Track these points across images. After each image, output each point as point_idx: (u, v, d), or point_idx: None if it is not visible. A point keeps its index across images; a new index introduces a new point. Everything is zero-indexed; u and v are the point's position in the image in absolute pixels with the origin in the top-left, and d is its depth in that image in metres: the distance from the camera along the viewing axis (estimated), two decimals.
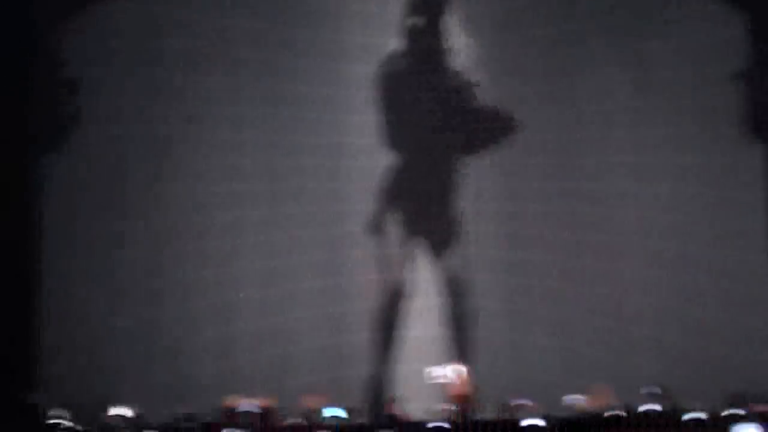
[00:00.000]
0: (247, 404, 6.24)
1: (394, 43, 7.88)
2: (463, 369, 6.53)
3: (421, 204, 7.86)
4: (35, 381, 7.34)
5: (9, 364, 7.31)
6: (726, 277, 7.88)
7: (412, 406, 6.86)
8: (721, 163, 7.96)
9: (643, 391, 6.57)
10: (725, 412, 6.13)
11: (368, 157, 7.90)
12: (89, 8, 7.99)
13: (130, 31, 8.00)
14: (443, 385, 6.53)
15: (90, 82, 7.91)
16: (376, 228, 7.75)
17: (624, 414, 6.17)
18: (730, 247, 7.92)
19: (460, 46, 7.78)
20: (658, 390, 6.50)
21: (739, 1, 7.84)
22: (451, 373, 6.31)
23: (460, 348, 7.63)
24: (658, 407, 6.32)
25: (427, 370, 6.32)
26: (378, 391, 7.60)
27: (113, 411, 6.53)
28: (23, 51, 7.84)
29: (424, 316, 7.79)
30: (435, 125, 7.85)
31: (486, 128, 7.88)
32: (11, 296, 7.47)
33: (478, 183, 7.92)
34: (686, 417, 6.09)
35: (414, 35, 7.70)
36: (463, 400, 6.31)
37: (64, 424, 6.18)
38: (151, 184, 7.94)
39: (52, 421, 6.24)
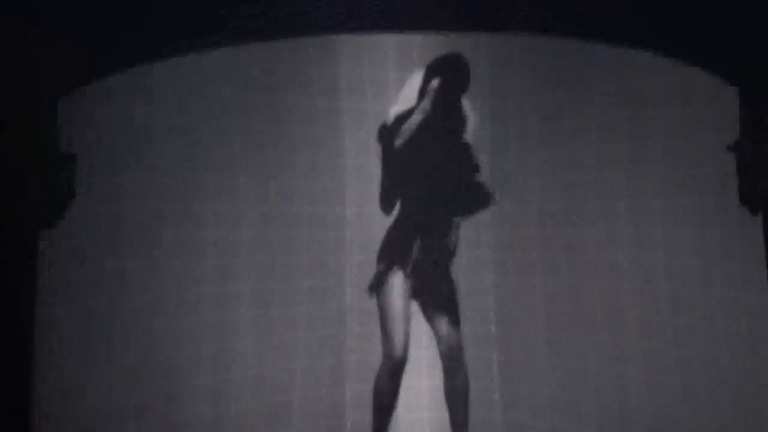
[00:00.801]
0: None
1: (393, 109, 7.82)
2: None
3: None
4: None
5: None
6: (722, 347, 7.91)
7: None
8: (719, 233, 8.03)
9: None
10: None
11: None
12: (88, 83, 8.05)
13: (126, 105, 8.09)
14: None
15: (86, 157, 7.94)
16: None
17: None
18: (728, 315, 7.95)
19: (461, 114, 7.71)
20: None
21: (731, 74, 7.93)
22: None
23: (456, 423, 7.50)
24: None
25: None
26: None
27: None
28: (22, 124, 7.91)
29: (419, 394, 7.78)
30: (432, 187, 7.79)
31: (479, 196, 7.80)
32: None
33: (473, 252, 7.97)
34: None
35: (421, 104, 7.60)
36: None
37: None
38: (147, 257, 7.96)
39: None
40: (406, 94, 7.53)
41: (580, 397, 7.83)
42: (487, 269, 7.91)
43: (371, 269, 7.48)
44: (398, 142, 7.40)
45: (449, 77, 7.34)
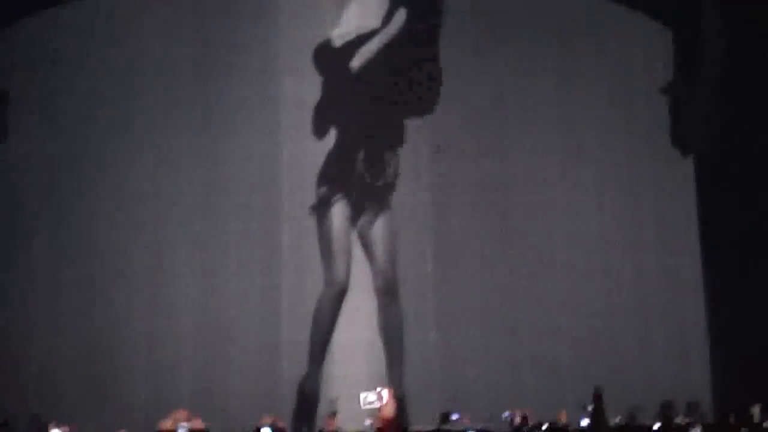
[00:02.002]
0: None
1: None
2: (386, 392, 6.59)
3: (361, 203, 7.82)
4: None
5: None
6: (649, 286, 8.14)
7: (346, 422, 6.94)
8: (649, 173, 8.16)
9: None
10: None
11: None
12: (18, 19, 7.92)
13: (59, 42, 7.96)
14: (375, 411, 6.60)
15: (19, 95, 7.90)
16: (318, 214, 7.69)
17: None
18: (655, 256, 8.14)
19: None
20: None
21: (666, 16, 8.00)
22: (377, 397, 6.35)
23: (391, 355, 7.58)
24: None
25: (362, 395, 6.38)
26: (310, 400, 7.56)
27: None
28: None
29: (357, 318, 7.88)
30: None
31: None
32: None
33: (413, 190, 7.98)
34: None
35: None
36: (392, 426, 6.41)
37: None
38: (83, 200, 7.87)
39: None
40: (348, 20, 7.55)
41: (513, 342, 7.99)
42: (426, 207, 7.94)
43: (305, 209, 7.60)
44: (354, 63, 7.41)
45: (421, 12, 7.39)
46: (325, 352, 7.52)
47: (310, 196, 7.66)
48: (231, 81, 7.74)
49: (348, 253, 7.56)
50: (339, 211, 7.56)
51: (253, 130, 7.72)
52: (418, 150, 7.73)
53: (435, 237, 7.70)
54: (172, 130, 7.83)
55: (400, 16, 7.58)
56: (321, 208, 7.59)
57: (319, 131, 7.61)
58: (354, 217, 7.62)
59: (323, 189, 7.60)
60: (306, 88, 7.66)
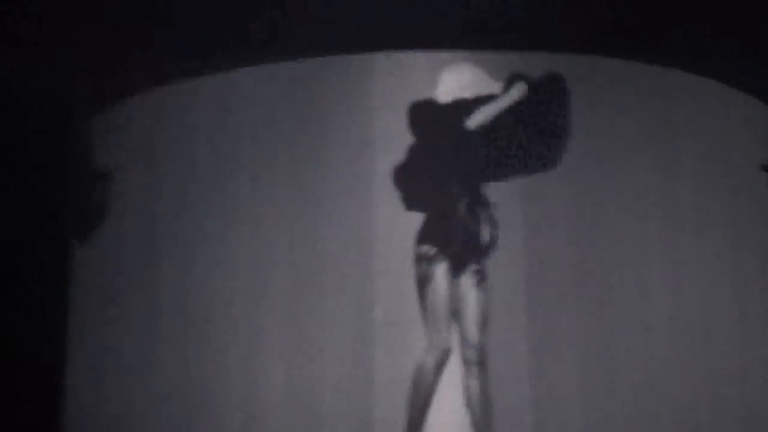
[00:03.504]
0: None
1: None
2: None
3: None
4: None
5: None
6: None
7: None
8: (753, 252, 7.97)
9: None
10: None
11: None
12: (123, 100, 8.18)
13: (162, 122, 8.12)
14: None
15: (121, 174, 8.08)
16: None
17: None
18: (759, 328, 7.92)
19: None
20: None
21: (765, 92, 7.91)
22: None
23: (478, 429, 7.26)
24: None
25: None
26: None
27: None
28: (58, 139, 8.06)
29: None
30: None
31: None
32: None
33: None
34: None
35: None
36: None
37: None
38: (181, 275, 7.91)
39: None
40: (449, 82, 7.56)
41: (611, 413, 7.72)
42: (520, 278, 7.79)
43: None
44: (473, 120, 7.48)
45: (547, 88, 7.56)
46: (424, 420, 7.26)
47: (402, 271, 7.51)
48: (325, 156, 7.82)
49: (450, 315, 7.39)
50: (440, 271, 7.42)
51: (347, 205, 7.75)
52: (513, 219, 7.62)
53: (528, 310, 7.53)
54: (268, 207, 7.88)
55: (520, 87, 7.63)
56: (422, 268, 7.44)
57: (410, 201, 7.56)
58: (453, 279, 7.45)
59: (423, 248, 7.47)
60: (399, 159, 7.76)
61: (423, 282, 7.47)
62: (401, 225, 7.59)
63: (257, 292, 7.76)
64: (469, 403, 7.34)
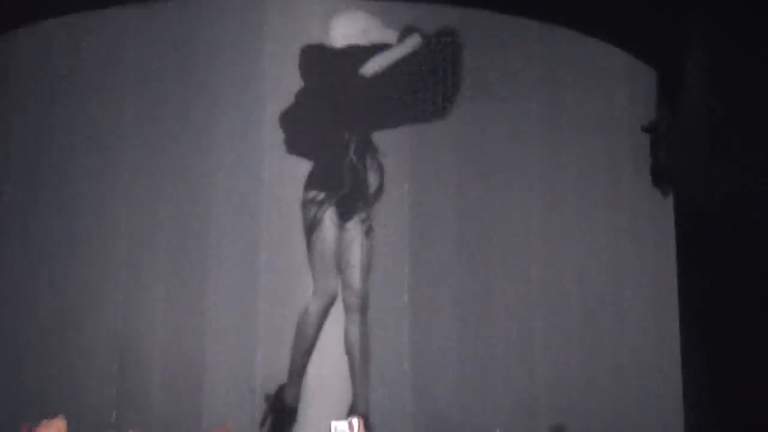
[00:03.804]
0: None
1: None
2: (357, 422, 6.41)
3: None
4: None
5: None
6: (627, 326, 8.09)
7: None
8: (630, 214, 8.15)
9: None
10: None
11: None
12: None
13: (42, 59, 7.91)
14: None
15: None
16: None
17: None
18: (633, 295, 8.13)
19: None
20: None
21: (649, 56, 8.10)
22: (349, 427, 6.18)
23: (357, 375, 7.34)
24: None
25: (333, 424, 6.20)
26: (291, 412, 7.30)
27: None
28: None
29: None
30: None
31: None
32: None
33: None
34: None
35: None
36: None
37: None
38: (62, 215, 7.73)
39: None
40: (342, 27, 7.56)
41: (488, 373, 7.84)
42: (404, 229, 7.82)
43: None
44: (367, 68, 7.49)
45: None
46: (307, 364, 7.29)
47: (288, 219, 7.51)
48: (213, 98, 7.70)
49: (337, 261, 7.40)
50: (329, 216, 7.42)
51: (235, 149, 7.66)
52: (400, 169, 7.62)
53: (411, 259, 7.58)
54: (153, 150, 7.68)
55: (414, 40, 7.67)
56: (311, 213, 7.43)
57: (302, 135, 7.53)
58: (341, 225, 7.45)
59: (312, 192, 7.46)
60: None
61: (311, 227, 7.46)
62: (289, 171, 7.54)
63: (140, 238, 7.60)
64: (348, 349, 7.38)
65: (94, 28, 7.84)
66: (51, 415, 4.39)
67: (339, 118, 7.56)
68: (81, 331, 7.54)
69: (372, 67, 7.51)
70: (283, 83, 7.54)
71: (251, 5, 7.72)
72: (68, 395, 7.37)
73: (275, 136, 7.52)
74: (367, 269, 7.45)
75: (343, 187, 7.48)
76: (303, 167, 7.51)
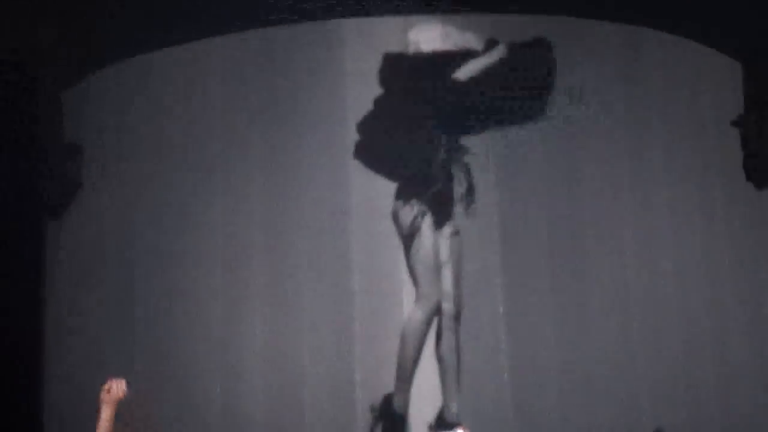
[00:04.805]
0: None
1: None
2: None
3: None
4: None
5: None
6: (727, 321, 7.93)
7: None
8: (725, 209, 8.02)
9: None
10: None
11: None
12: (91, 73, 8.14)
13: (132, 96, 8.08)
14: None
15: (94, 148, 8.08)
16: None
17: None
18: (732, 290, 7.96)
19: None
20: None
21: (735, 49, 7.97)
22: None
23: (449, 385, 7.28)
24: None
25: None
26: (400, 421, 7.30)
27: None
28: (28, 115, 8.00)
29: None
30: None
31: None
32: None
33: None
34: None
35: None
36: None
37: None
38: (155, 248, 7.88)
39: None
40: (425, 34, 7.57)
41: (587, 380, 7.76)
42: (494, 238, 7.81)
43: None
44: (461, 73, 7.48)
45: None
46: (414, 371, 7.25)
47: (378, 239, 7.52)
48: (298, 124, 7.80)
49: (439, 266, 7.33)
50: (426, 223, 7.37)
51: (322, 173, 7.74)
52: (488, 175, 7.59)
53: (503, 266, 7.53)
54: (242, 177, 7.84)
55: (501, 49, 7.68)
56: (406, 222, 7.41)
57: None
58: (438, 230, 7.39)
59: (406, 200, 7.45)
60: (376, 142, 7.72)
61: (410, 235, 7.41)
62: (376, 192, 7.58)
63: (234, 261, 7.74)
64: (441, 357, 7.31)
65: (178, 61, 8.03)
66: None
67: (427, 122, 7.56)
68: (182, 355, 7.70)
69: (465, 71, 7.50)
70: (365, 102, 7.61)
71: (330, 30, 7.82)
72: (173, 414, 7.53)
73: (361, 155, 7.60)
74: (460, 275, 7.42)
75: (436, 184, 7.45)
76: (389, 184, 7.54)
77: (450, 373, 7.29)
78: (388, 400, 7.23)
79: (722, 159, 8.08)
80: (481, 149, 7.59)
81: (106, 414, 4.50)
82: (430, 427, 7.17)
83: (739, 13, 7.84)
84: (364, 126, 7.61)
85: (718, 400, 7.79)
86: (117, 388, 4.55)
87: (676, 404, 7.62)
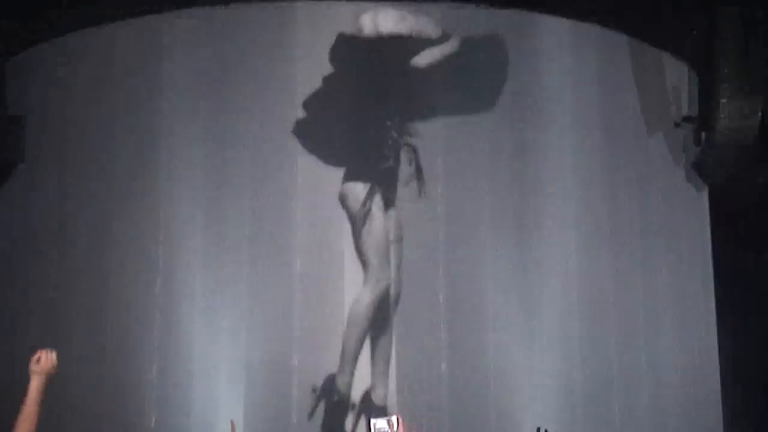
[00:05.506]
0: None
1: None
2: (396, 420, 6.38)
3: None
4: None
5: None
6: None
7: None
8: (664, 208, 8.13)
9: None
10: None
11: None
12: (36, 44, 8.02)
13: (76, 67, 7.96)
14: None
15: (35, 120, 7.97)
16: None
17: None
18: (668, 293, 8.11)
19: None
20: None
21: (681, 49, 8.09)
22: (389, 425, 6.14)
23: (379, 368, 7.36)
24: None
25: (373, 422, 6.19)
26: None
27: None
28: None
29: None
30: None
31: None
32: None
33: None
34: None
35: None
36: None
37: None
38: (95, 229, 7.79)
39: None
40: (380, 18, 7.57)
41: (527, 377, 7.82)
42: (438, 229, 7.82)
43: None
44: (419, 59, 7.53)
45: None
46: (359, 353, 7.31)
47: (321, 221, 7.51)
48: (246, 104, 7.73)
49: (388, 248, 7.36)
50: (376, 206, 7.41)
51: (269, 154, 7.69)
52: (434, 167, 7.59)
53: (446, 258, 7.55)
54: (187, 154, 7.71)
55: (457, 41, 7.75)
56: (355, 205, 7.44)
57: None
58: (387, 212, 7.43)
59: (355, 183, 7.47)
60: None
61: (359, 217, 7.43)
62: (320, 175, 7.56)
63: (174, 239, 7.62)
64: (375, 338, 7.35)
65: (127, 35, 7.91)
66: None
67: (378, 104, 7.58)
68: (118, 339, 7.61)
69: (425, 58, 7.54)
70: (315, 84, 7.59)
71: (282, 11, 7.77)
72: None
73: (306, 141, 7.58)
74: (400, 257, 7.46)
75: (387, 162, 7.46)
76: (334, 168, 7.55)
77: (382, 356, 7.34)
78: (331, 380, 7.25)
79: (664, 158, 8.19)
80: (428, 133, 7.64)
81: (34, 384, 4.42)
82: (359, 410, 7.21)
83: (688, 16, 7.96)
84: (312, 108, 7.60)
85: (652, 399, 7.89)
86: (46, 358, 4.47)
87: (611, 393, 7.70)
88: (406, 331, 7.39)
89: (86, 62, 7.98)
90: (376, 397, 7.26)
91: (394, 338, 7.35)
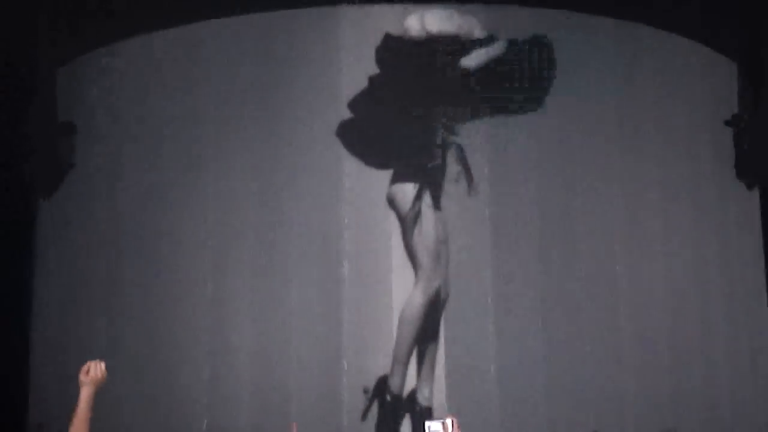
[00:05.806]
0: None
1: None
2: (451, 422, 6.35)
3: None
4: None
5: None
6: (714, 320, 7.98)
7: None
8: (715, 208, 8.06)
9: None
10: None
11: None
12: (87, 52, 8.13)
13: (127, 76, 8.05)
14: None
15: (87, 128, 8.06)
16: None
17: None
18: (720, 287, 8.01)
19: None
20: None
21: (730, 48, 7.99)
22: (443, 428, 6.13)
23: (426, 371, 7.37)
24: None
25: (427, 424, 6.19)
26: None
27: None
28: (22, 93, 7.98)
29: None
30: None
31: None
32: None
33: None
34: None
35: None
36: None
37: None
38: (146, 233, 7.89)
39: None
40: (428, 18, 7.54)
41: (576, 379, 7.75)
42: (485, 231, 7.79)
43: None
44: (467, 61, 7.50)
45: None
46: (411, 354, 7.30)
47: (368, 226, 7.55)
48: (292, 109, 7.78)
49: (438, 249, 7.36)
50: (426, 206, 7.39)
51: (315, 159, 7.72)
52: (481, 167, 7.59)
53: (493, 260, 7.52)
54: (234, 160, 7.79)
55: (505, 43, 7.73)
56: (405, 206, 7.44)
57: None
58: (436, 210, 7.40)
59: (404, 185, 7.45)
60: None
61: (410, 218, 7.43)
62: (367, 180, 7.59)
63: (224, 244, 7.71)
64: (423, 340, 7.34)
65: (174, 44, 8.00)
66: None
67: (425, 104, 7.58)
68: (170, 340, 7.69)
69: (473, 59, 7.52)
70: (360, 87, 7.60)
71: (326, 16, 7.80)
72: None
73: (353, 138, 7.60)
74: (447, 257, 7.45)
75: (435, 161, 7.45)
76: (381, 172, 7.56)
77: (428, 357, 7.33)
78: (383, 381, 7.26)
79: (714, 157, 8.10)
80: (476, 133, 7.62)
81: (84, 395, 4.49)
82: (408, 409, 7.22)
83: (734, 13, 7.87)
84: (358, 109, 7.61)
85: (706, 394, 7.83)
86: (95, 369, 4.54)
87: (664, 398, 7.65)
88: (455, 332, 7.39)
89: (135, 70, 8.09)
90: (422, 398, 7.26)
91: (442, 339, 7.34)
